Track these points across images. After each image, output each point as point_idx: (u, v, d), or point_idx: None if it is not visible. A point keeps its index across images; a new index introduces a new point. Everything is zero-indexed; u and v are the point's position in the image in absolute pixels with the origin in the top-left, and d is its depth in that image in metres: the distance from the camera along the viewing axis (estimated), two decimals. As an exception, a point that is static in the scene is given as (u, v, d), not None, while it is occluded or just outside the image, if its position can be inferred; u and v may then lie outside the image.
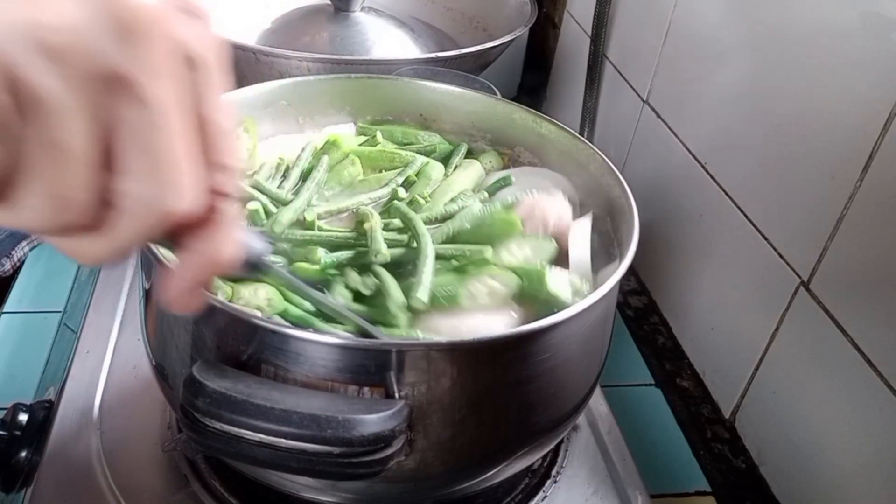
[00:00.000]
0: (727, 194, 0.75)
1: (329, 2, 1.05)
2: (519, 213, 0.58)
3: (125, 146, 0.26)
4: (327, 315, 0.50)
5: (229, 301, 0.49)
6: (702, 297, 0.82)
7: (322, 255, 0.53)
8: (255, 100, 0.66)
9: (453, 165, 0.67)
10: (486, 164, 0.68)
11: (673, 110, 0.87)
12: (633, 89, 0.96)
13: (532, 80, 1.34)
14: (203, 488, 0.58)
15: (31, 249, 0.92)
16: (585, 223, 0.59)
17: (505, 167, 0.69)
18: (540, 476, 0.62)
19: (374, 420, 0.39)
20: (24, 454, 0.60)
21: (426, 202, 0.61)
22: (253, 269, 0.40)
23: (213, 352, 0.45)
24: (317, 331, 0.47)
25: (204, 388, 0.39)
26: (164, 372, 0.51)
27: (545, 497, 0.61)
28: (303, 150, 0.66)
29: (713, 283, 0.79)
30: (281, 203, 0.59)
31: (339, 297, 0.51)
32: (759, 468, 0.71)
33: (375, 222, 0.55)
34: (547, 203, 0.59)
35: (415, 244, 0.54)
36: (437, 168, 0.65)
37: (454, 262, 0.54)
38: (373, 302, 0.51)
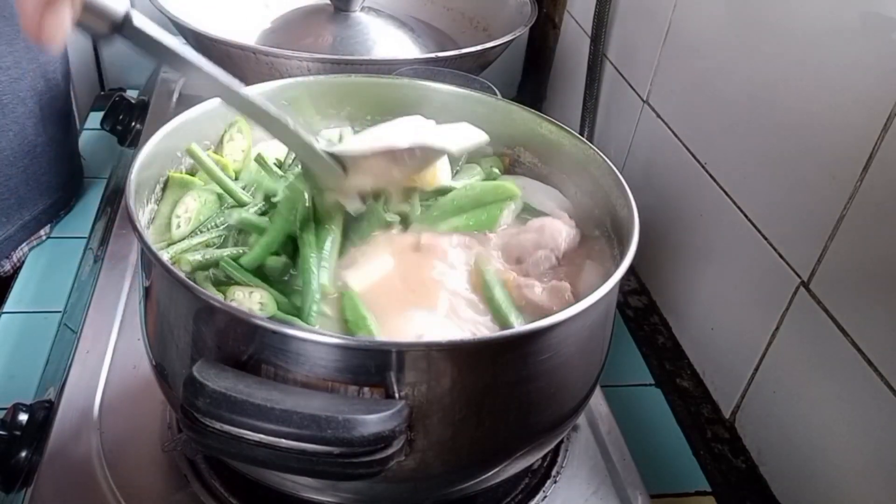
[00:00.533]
0: (727, 194, 0.75)
1: (329, 2, 1.05)
2: (529, 233, 0.59)
3: None
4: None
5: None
6: (702, 297, 0.82)
7: None
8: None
9: (454, 170, 0.67)
10: (486, 170, 0.68)
11: (673, 110, 0.87)
12: (633, 89, 0.96)
13: (532, 80, 1.34)
14: (203, 488, 0.58)
15: (30, 250, 0.92)
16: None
17: (506, 171, 0.69)
18: (540, 476, 0.62)
19: (374, 420, 0.39)
20: (24, 454, 0.60)
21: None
22: (117, 30, 0.38)
23: (213, 352, 0.45)
24: (316, 331, 0.48)
25: (204, 388, 0.39)
26: (164, 372, 0.51)
27: (545, 497, 0.61)
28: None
29: (713, 283, 0.79)
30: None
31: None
32: (759, 468, 0.71)
33: None
34: (556, 225, 0.59)
35: None
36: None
37: None
38: None
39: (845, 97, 0.60)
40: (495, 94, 0.71)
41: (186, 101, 1.05)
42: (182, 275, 0.45)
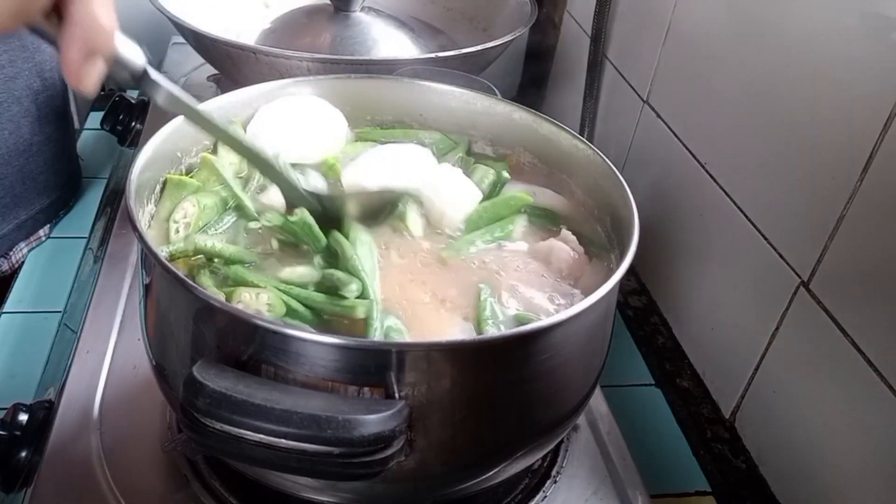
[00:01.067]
0: (727, 194, 0.75)
1: (329, 2, 1.05)
2: (537, 253, 0.59)
3: None
4: (322, 319, 0.50)
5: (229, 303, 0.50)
6: (702, 297, 0.82)
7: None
8: (255, 100, 0.66)
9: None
10: (497, 173, 0.68)
11: (673, 110, 0.87)
12: (633, 89, 0.96)
13: (532, 81, 1.34)
14: (203, 488, 0.58)
15: (29, 251, 0.92)
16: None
17: (512, 171, 0.69)
18: (540, 476, 0.62)
19: (374, 420, 0.39)
20: (24, 454, 0.60)
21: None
22: (137, 81, 0.45)
23: (213, 352, 0.45)
24: (316, 331, 0.47)
25: (204, 388, 0.39)
26: (164, 372, 0.51)
27: (545, 497, 0.61)
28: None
29: (713, 283, 0.79)
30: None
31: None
32: (759, 468, 0.71)
33: None
34: (563, 249, 0.59)
35: None
36: None
37: None
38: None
39: (845, 97, 0.60)
40: (495, 94, 0.71)
41: (186, 101, 1.05)
42: (182, 275, 0.45)
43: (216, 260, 0.54)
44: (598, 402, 0.69)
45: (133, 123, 1.05)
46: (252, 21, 1.10)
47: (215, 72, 1.08)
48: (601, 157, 0.60)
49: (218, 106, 0.63)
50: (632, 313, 0.91)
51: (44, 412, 0.63)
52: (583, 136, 0.64)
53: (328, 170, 0.65)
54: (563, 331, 0.47)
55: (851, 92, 0.59)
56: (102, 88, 1.34)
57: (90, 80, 0.40)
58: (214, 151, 0.64)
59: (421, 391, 0.43)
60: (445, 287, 0.55)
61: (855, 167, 0.58)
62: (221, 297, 0.50)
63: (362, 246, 0.55)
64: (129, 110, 1.06)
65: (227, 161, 0.64)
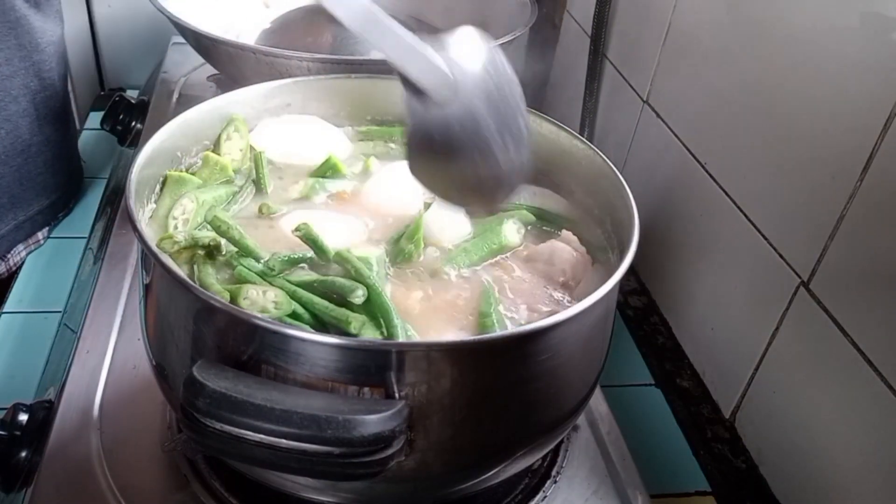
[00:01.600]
0: (727, 194, 0.75)
1: (329, 2, 1.05)
2: (538, 262, 0.59)
3: None
4: (323, 321, 0.50)
5: (235, 301, 0.50)
6: (702, 297, 0.82)
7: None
8: (255, 100, 0.66)
9: None
10: None
11: (673, 110, 0.87)
12: (633, 89, 0.96)
13: (532, 81, 1.34)
14: (203, 488, 0.58)
15: (27, 254, 0.92)
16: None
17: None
18: (540, 476, 0.62)
19: (374, 420, 0.39)
20: (24, 454, 0.60)
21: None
22: None
23: (213, 352, 0.45)
24: (316, 331, 0.47)
25: (204, 389, 0.39)
26: (164, 372, 0.51)
27: (545, 497, 0.61)
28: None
29: (713, 283, 0.79)
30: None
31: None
32: (759, 468, 0.71)
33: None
34: (565, 250, 0.59)
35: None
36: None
37: None
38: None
39: (845, 97, 0.60)
40: (495, 94, 0.71)
41: (186, 101, 1.06)
42: (182, 275, 0.45)
43: (223, 254, 0.54)
44: (598, 402, 0.69)
45: (133, 123, 1.05)
46: (252, 21, 1.10)
47: (215, 72, 1.08)
48: (601, 157, 0.60)
49: (218, 105, 0.63)
50: (632, 313, 0.91)
51: (44, 412, 0.63)
52: (583, 136, 0.64)
53: (330, 169, 0.65)
54: (563, 331, 0.47)
55: (851, 92, 0.59)
56: (102, 88, 1.35)
57: None
58: (216, 150, 0.64)
59: (421, 391, 0.43)
60: (444, 296, 0.55)
61: (855, 167, 0.58)
62: (225, 294, 0.50)
63: (368, 262, 0.54)
64: (129, 110, 1.06)
65: (230, 158, 0.64)
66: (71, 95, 1.01)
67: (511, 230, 0.61)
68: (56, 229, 0.96)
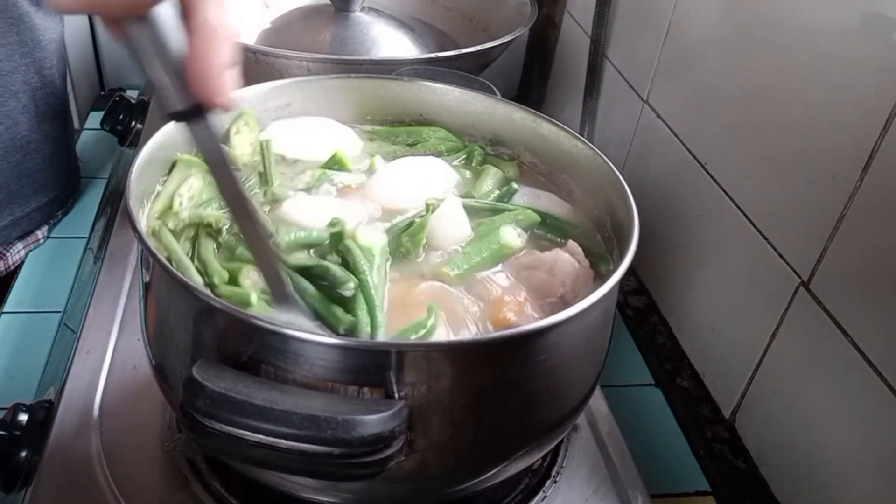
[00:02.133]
0: (727, 194, 0.75)
1: (329, 2, 1.05)
2: (540, 271, 0.58)
3: None
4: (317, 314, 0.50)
5: (235, 280, 0.50)
6: (702, 297, 0.82)
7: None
8: (255, 100, 0.66)
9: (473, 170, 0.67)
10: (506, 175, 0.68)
11: (673, 110, 0.87)
12: (633, 89, 0.96)
13: (532, 80, 1.34)
14: (203, 488, 0.58)
15: (27, 253, 0.92)
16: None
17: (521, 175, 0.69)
18: (540, 476, 0.62)
19: (373, 420, 0.39)
20: (24, 454, 0.60)
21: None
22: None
23: (213, 352, 0.45)
24: (316, 331, 0.47)
25: (204, 389, 0.39)
26: (164, 372, 0.51)
27: (545, 497, 0.61)
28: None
29: (713, 283, 0.79)
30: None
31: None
32: (759, 468, 0.71)
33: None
34: (568, 261, 0.57)
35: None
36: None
37: None
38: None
39: (845, 97, 0.60)
40: (495, 94, 0.71)
41: (186, 101, 1.05)
42: (183, 276, 0.45)
43: (226, 234, 0.54)
44: (598, 402, 0.69)
45: (133, 123, 1.05)
46: (252, 21, 1.10)
47: (215, 72, 1.08)
48: (601, 157, 0.60)
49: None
50: (632, 313, 0.91)
51: (44, 412, 0.63)
52: (583, 136, 0.64)
53: (337, 163, 0.65)
54: (562, 331, 0.46)
55: (851, 92, 0.59)
56: (102, 88, 1.34)
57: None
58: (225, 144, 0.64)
59: (421, 391, 0.43)
60: (444, 301, 0.54)
61: (855, 167, 0.58)
62: (224, 274, 0.50)
63: (371, 253, 0.54)
64: (129, 110, 1.06)
65: (240, 152, 0.64)
66: (71, 95, 1.01)
67: (510, 233, 0.60)
68: (56, 229, 0.96)
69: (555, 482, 0.62)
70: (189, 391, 0.39)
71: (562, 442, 0.64)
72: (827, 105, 0.62)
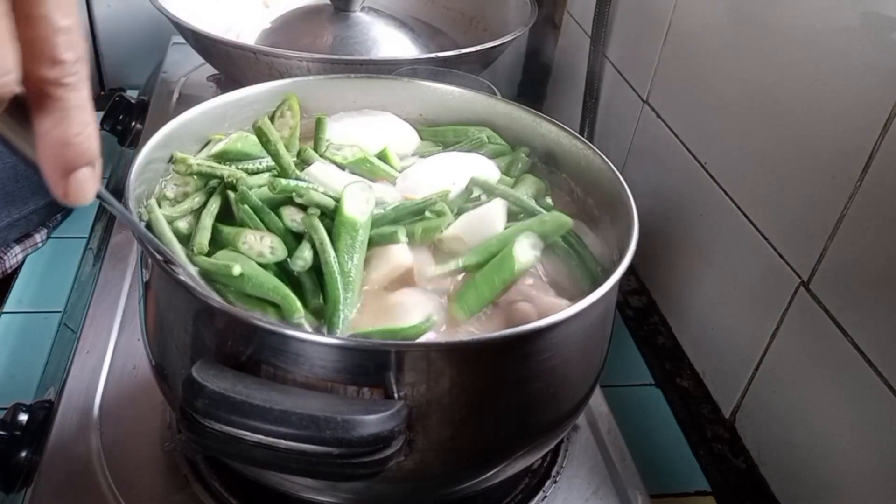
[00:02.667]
0: (727, 194, 0.75)
1: (329, 2, 1.05)
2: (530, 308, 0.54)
3: None
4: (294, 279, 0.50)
5: (233, 245, 0.50)
6: (702, 297, 0.82)
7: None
8: (255, 100, 0.66)
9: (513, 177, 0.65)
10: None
11: (673, 110, 0.87)
12: (633, 89, 0.96)
13: (532, 80, 1.34)
14: (203, 488, 0.58)
15: (25, 257, 0.92)
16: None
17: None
18: (540, 476, 0.62)
19: (373, 421, 0.39)
20: (24, 454, 0.60)
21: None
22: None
23: (212, 352, 0.45)
24: (316, 331, 0.47)
25: (203, 389, 0.39)
26: (164, 372, 0.51)
27: (545, 497, 0.61)
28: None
29: (713, 283, 0.79)
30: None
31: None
32: (759, 468, 0.71)
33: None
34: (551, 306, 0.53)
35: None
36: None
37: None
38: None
39: (845, 97, 0.60)
40: (495, 94, 0.71)
41: (186, 101, 1.06)
42: (182, 276, 0.45)
43: (237, 189, 0.54)
44: (598, 402, 0.69)
45: (133, 123, 1.05)
46: (252, 21, 1.10)
47: (215, 72, 1.08)
48: (601, 157, 0.60)
49: (218, 105, 0.63)
50: (632, 313, 0.91)
51: (44, 412, 0.63)
52: (583, 136, 0.64)
53: (382, 158, 0.65)
54: (563, 331, 0.46)
55: (851, 92, 0.59)
56: (102, 88, 1.35)
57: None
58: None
59: (420, 391, 0.43)
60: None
61: (855, 167, 0.58)
62: (204, 245, 0.51)
63: (354, 228, 0.52)
64: (129, 110, 1.06)
65: (281, 134, 0.64)
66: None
67: (524, 249, 0.54)
68: (56, 229, 0.96)
69: (555, 482, 0.62)
70: (188, 391, 0.39)
71: (562, 442, 0.64)
72: (827, 105, 0.62)
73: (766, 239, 0.70)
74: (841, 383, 0.61)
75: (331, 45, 0.99)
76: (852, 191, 0.59)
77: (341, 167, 0.62)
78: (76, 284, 0.83)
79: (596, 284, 0.48)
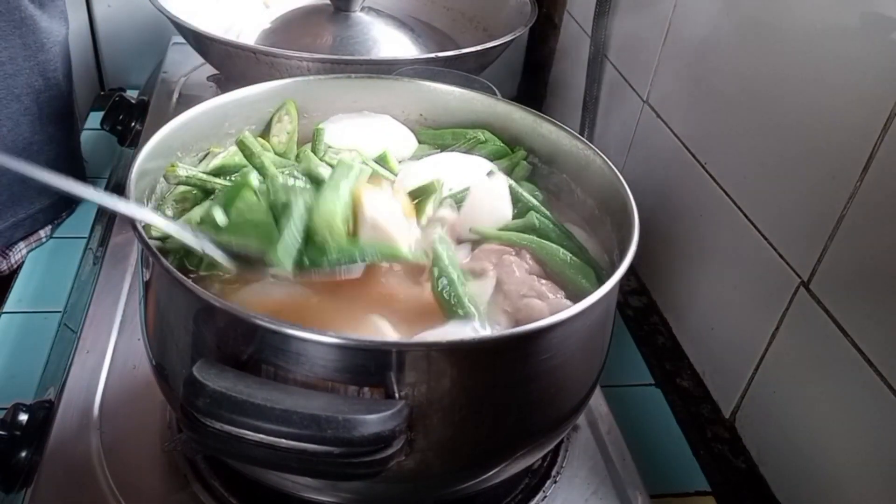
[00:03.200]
0: (727, 194, 0.75)
1: (329, 2, 1.05)
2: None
3: None
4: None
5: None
6: (702, 297, 0.82)
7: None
8: (255, 100, 0.66)
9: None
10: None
11: (673, 110, 0.87)
12: (633, 89, 0.96)
13: (532, 80, 1.34)
14: (203, 488, 0.58)
15: (28, 252, 0.92)
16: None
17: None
18: (540, 476, 0.62)
19: (374, 420, 0.39)
20: (24, 454, 0.60)
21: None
22: None
23: (213, 352, 0.45)
24: (316, 331, 0.47)
25: (204, 388, 0.39)
26: (164, 372, 0.51)
27: (545, 497, 0.61)
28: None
29: (713, 283, 0.79)
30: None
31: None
32: (759, 468, 0.71)
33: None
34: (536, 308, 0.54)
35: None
36: None
37: None
38: None
39: (845, 97, 0.60)
40: (495, 94, 0.71)
41: (186, 101, 1.06)
42: (182, 275, 0.45)
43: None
44: (598, 402, 0.69)
45: (133, 123, 1.05)
46: (252, 21, 1.10)
47: (215, 72, 1.08)
48: (601, 157, 0.60)
49: (218, 105, 0.63)
50: (632, 313, 0.91)
51: (44, 412, 0.63)
52: (583, 136, 0.64)
53: (382, 161, 0.66)
54: (563, 331, 0.46)
55: (851, 92, 0.59)
56: (102, 88, 1.35)
57: None
58: (266, 131, 0.67)
59: (421, 391, 0.43)
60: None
61: (855, 167, 0.58)
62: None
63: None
64: (129, 110, 1.06)
65: (277, 140, 0.66)
66: (74, 96, 1.01)
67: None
68: (57, 229, 0.96)
69: (555, 482, 0.62)
70: (189, 390, 0.39)
71: (562, 442, 0.64)
72: (827, 105, 0.62)
73: (766, 239, 0.70)
74: (841, 383, 0.61)
75: (331, 45, 0.99)
76: (852, 191, 0.59)
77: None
78: (76, 284, 0.83)
79: (596, 284, 0.48)
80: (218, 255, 0.50)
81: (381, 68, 0.83)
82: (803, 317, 0.65)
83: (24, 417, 0.62)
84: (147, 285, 0.52)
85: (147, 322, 0.52)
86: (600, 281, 0.55)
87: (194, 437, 0.39)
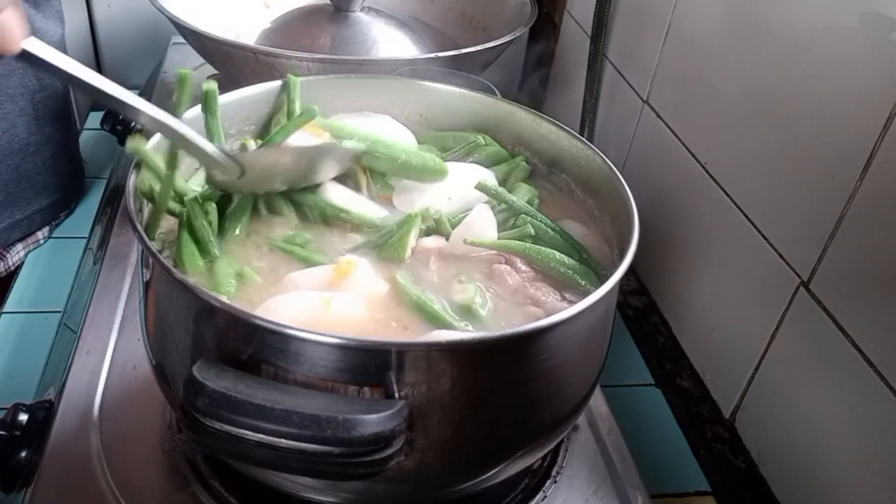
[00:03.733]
0: (727, 194, 0.75)
1: (329, 2, 1.05)
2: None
3: None
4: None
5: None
6: (702, 297, 0.82)
7: None
8: (255, 100, 0.66)
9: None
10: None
11: (673, 110, 0.87)
12: (633, 89, 0.96)
13: (532, 80, 1.34)
14: (203, 488, 0.58)
15: (27, 254, 0.92)
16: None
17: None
18: (540, 476, 0.62)
19: (374, 420, 0.39)
20: (24, 454, 0.60)
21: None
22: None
23: (213, 352, 0.45)
24: (317, 331, 0.47)
25: (204, 388, 0.39)
26: (164, 372, 0.51)
27: (545, 497, 0.61)
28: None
29: (713, 283, 0.79)
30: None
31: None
32: (759, 468, 0.71)
33: None
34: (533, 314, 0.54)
35: None
36: None
37: None
38: None
39: (845, 97, 0.60)
40: (495, 94, 0.71)
41: (186, 101, 1.05)
42: (182, 275, 0.45)
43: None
44: (598, 402, 0.69)
45: (133, 123, 1.05)
46: (252, 21, 1.10)
47: (215, 72, 1.08)
48: (601, 157, 0.60)
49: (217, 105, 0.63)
50: (632, 313, 0.91)
51: (44, 412, 0.63)
52: (583, 136, 0.64)
53: (439, 224, 0.63)
54: (563, 331, 0.46)
55: (851, 92, 0.59)
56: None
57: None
58: (264, 133, 0.67)
59: (421, 391, 0.43)
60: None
61: (855, 167, 0.58)
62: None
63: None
64: (129, 110, 1.05)
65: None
66: (72, 96, 1.01)
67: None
68: (56, 229, 0.96)
69: (555, 482, 0.62)
70: (189, 391, 0.39)
71: (562, 442, 0.64)
72: (827, 105, 0.62)
73: (766, 239, 0.70)
74: (841, 383, 0.61)
75: (331, 45, 0.99)
76: (852, 191, 0.59)
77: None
78: (76, 284, 0.83)
79: (596, 285, 0.48)
80: (218, 155, 0.55)
81: (381, 68, 0.84)
82: (803, 317, 0.65)
83: (24, 417, 0.62)
84: (147, 285, 0.52)
85: (147, 322, 0.52)
86: (600, 281, 0.55)
87: (194, 437, 0.39)
